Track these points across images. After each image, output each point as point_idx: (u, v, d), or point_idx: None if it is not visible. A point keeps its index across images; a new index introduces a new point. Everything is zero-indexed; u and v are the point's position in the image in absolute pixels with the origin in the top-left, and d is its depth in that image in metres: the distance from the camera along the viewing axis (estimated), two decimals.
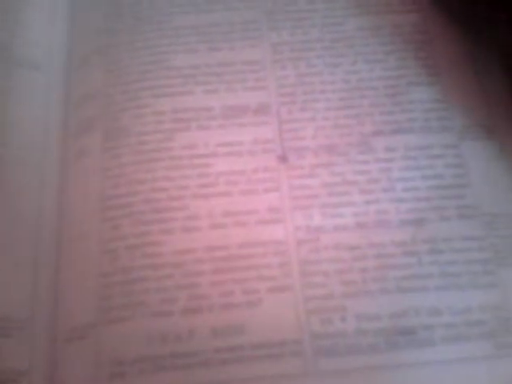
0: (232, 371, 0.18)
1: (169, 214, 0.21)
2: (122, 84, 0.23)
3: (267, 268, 0.20)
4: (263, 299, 0.19)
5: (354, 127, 0.22)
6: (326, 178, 0.21)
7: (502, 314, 0.19)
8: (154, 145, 0.22)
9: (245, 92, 0.23)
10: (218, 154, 0.22)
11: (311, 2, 0.25)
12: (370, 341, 0.18)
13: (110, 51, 0.24)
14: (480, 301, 0.19)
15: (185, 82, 0.23)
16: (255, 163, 0.22)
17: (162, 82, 0.23)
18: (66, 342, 0.19)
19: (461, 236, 0.20)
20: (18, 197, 0.21)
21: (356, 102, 0.23)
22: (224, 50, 0.24)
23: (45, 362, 0.19)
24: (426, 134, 0.22)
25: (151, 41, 0.24)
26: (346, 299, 0.19)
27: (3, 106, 0.23)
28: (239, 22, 0.25)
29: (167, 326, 0.19)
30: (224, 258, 0.20)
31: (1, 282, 0.19)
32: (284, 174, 0.21)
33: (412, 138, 0.22)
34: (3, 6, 0.25)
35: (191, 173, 0.21)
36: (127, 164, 0.22)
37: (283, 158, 0.22)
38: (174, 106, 0.23)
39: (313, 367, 0.18)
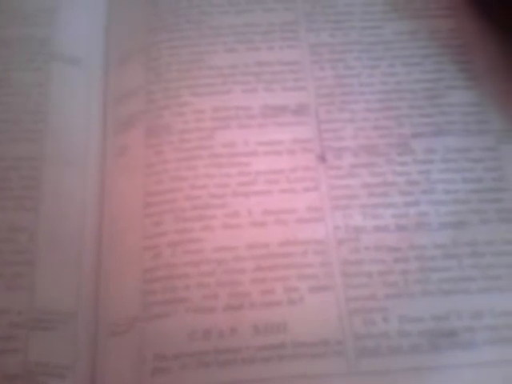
0: (274, 369, 0.18)
1: (209, 211, 0.21)
2: (162, 81, 0.24)
3: (308, 267, 0.20)
4: (305, 298, 0.19)
5: (393, 129, 0.22)
6: (365, 178, 0.21)
7: None
8: (195, 142, 0.22)
9: (283, 92, 0.23)
10: (258, 153, 0.22)
11: (349, 4, 0.25)
12: (413, 342, 0.18)
13: (150, 49, 0.24)
14: None
15: (224, 81, 0.23)
16: (294, 162, 0.22)
17: (202, 81, 0.23)
18: (108, 337, 0.19)
19: (502, 239, 0.20)
20: (62, 193, 0.21)
21: (395, 103, 0.23)
22: (263, 50, 0.24)
23: (88, 356, 0.19)
24: (465, 137, 0.22)
25: (190, 39, 0.24)
26: (388, 300, 0.19)
27: (44, 101, 0.23)
28: (278, 23, 0.25)
29: (209, 322, 0.19)
30: (265, 255, 0.20)
31: (47, 276, 0.20)
32: (323, 174, 0.21)
33: (451, 141, 0.22)
34: (45, 2, 0.25)
35: (231, 171, 0.22)
36: (169, 161, 0.22)
37: (322, 158, 0.22)
38: (213, 104, 0.23)
39: (355, 367, 0.18)
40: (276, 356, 0.18)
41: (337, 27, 0.25)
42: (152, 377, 0.18)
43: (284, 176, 0.21)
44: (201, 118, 0.23)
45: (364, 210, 0.20)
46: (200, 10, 0.25)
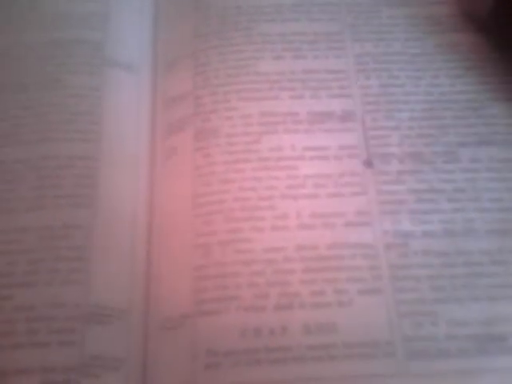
0: (325, 368, 0.18)
1: (258, 213, 0.21)
2: (210, 86, 0.24)
3: (357, 270, 0.20)
4: (354, 300, 0.19)
5: (438, 137, 0.23)
6: (412, 184, 0.22)
7: None
8: (243, 146, 0.23)
9: (329, 99, 0.24)
10: (305, 158, 0.22)
11: (393, 17, 0.26)
12: (461, 346, 0.19)
13: (199, 54, 0.25)
14: None
15: (271, 87, 0.24)
16: (341, 167, 0.22)
17: (249, 86, 0.24)
18: (160, 331, 0.20)
19: None
20: (115, 192, 0.22)
21: (439, 113, 0.23)
22: (309, 58, 0.25)
23: (140, 350, 0.19)
24: (508, 148, 0.23)
25: (238, 46, 0.25)
26: (436, 304, 0.19)
27: (98, 103, 0.24)
28: (323, 33, 0.25)
29: (260, 320, 0.19)
30: (314, 257, 0.20)
31: (101, 272, 0.20)
32: (370, 179, 0.22)
33: (495, 151, 0.22)
34: (97, 8, 0.26)
35: (279, 174, 0.22)
36: (217, 163, 0.22)
37: (369, 164, 0.22)
38: (261, 109, 0.23)
39: (404, 369, 0.18)
40: (327, 356, 0.18)
41: (380, 38, 0.25)
42: (205, 371, 0.18)
43: (332, 180, 0.22)
44: (248, 123, 0.23)
45: (412, 215, 0.21)
46: (248, 17, 0.26)
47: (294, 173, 0.22)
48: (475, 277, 0.20)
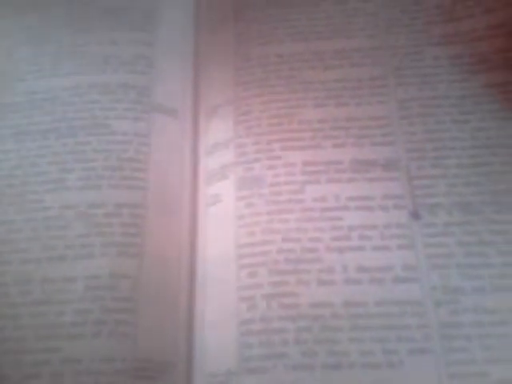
0: None
1: (303, 266, 0.21)
2: (252, 135, 0.24)
3: (407, 329, 0.20)
4: (404, 361, 0.19)
5: (486, 185, 0.22)
6: (461, 237, 0.21)
7: None
8: (286, 196, 0.23)
9: (372, 147, 0.24)
10: (349, 208, 0.22)
11: (437, 58, 0.26)
12: None
13: (240, 103, 0.25)
14: None
15: (314, 136, 0.24)
16: (387, 218, 0.22)
17: (292, 135, 0.24)
18: None
19: None
20: (162, 242, 0.22)
21: (487, 159, 0.23)
22: (351, 105, 0.25)
23: None
24: None
25: (280, 94, 0.25)
26: (487, 365, 0.19)
27: (144, 150, 0.24)
28: (366, 78, 0.25)
29: (309, 380, 0.19)
30: (362, 315, 0.20)
31: (148, 325, 0.20)
32: (417, 231, 0.22)
33: None
34: (142, 52, 0.26)
35: (324, 225, 0.22)
36: (261, 213, 0.22)
37: (415, 215, 0.22)
38: (304, 158, 0.24)
39: None
40: None
41: (424, 81, 0.25)
42: None
43: (378, 232, 0.22)
44: (291, 172, 0.23)
45: (461, 269, 0.20)
46: (290, 65, 0.26)
47: (339, 224, 0.22)
48: None
